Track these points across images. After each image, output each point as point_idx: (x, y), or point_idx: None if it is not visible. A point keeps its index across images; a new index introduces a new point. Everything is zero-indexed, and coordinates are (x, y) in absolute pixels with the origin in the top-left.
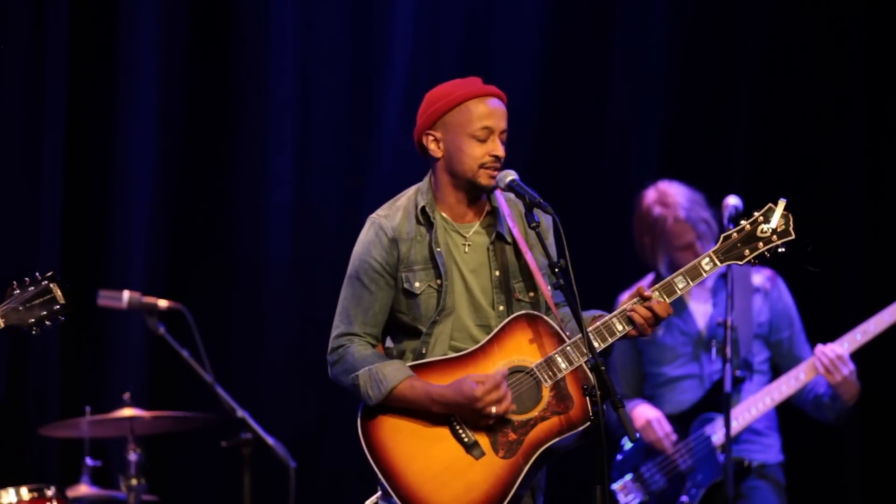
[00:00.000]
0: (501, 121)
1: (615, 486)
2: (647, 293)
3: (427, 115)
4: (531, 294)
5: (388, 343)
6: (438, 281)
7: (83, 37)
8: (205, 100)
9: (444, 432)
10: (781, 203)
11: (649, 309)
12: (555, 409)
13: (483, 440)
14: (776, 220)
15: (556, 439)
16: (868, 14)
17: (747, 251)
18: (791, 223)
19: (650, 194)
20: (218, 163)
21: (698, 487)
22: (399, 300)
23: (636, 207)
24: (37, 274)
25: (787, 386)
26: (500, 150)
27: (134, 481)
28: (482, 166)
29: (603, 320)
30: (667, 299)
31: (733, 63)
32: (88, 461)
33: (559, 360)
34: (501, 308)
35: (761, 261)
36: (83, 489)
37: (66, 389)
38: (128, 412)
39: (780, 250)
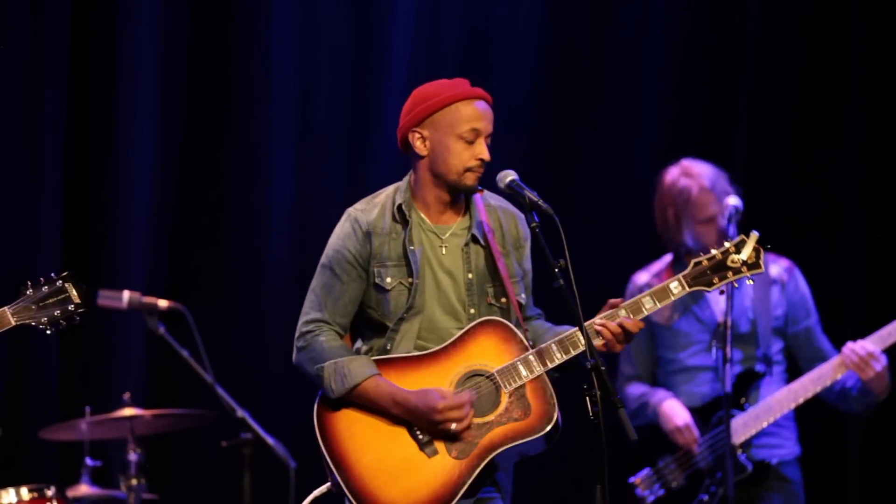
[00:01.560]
0: (489, 124)
1: (633, 480)
2: (612, 310)
3: (415, 113)
4: (503, 300)
5: (358, 343)
6: (410, 279)
7: (83, 37)
8: (205, 100)
9: (399, 429)
10: (754, 236)
11: (620, 325)
12: (512, 415)
13: (438, 439)
14: (747, 252)
15: (511, 444)
16: (868, 6)
17: (716, 279)
18: (762, 256)
19: (673, 170)
20: (218, 163)
21: (718, 486)
22: (370, 295)
23: (658, 185)
24: (52, 274)
25: (813, 385)
26: (486, 154)
27: (134, 481)
28: (468, 170)
29: (568, 333)
30: (633, 318)
31: (733, 62)
32: (88, 461)
33: (521, 367)
34: (472, 311)
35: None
36: (83, 489)
37: (66, 389)
38: (128, 412)
39: (748, 282)
